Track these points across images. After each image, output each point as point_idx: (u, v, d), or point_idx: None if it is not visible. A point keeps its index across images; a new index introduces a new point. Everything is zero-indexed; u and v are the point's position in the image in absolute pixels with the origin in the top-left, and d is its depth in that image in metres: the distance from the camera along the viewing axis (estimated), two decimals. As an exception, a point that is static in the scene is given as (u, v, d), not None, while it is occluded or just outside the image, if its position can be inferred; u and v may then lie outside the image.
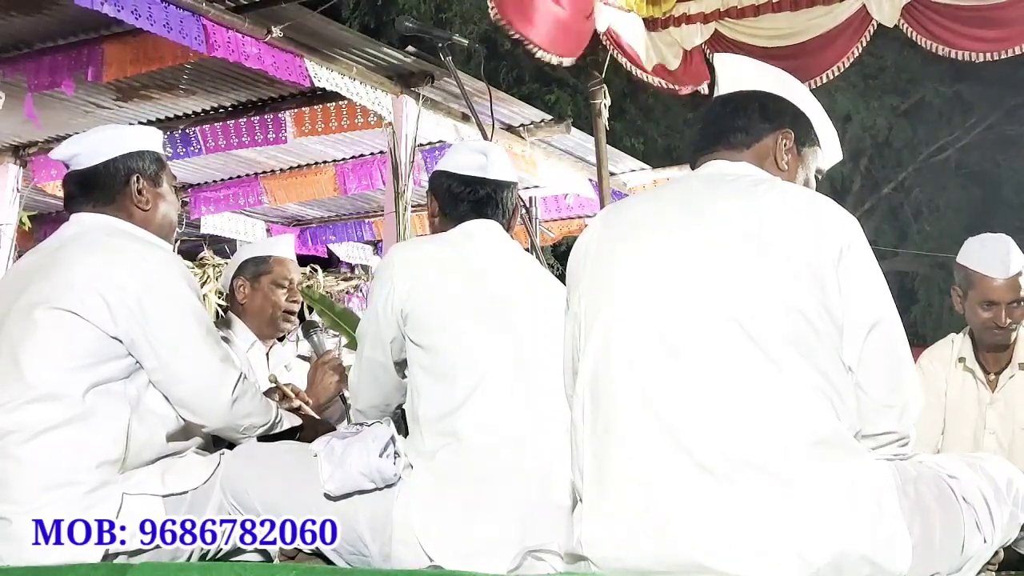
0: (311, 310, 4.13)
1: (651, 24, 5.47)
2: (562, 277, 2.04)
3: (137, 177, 2.35)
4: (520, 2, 4.56)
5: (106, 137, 2.38)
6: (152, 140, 2.43)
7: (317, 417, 2.71)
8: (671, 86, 5.49)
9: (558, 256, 9.21)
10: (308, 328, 3.02)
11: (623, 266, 1.80)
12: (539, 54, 4.69)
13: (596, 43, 5.23)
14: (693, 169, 1.99)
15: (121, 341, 2.15)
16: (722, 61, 2.11)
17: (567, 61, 4.90)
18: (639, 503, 1.66)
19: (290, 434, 2.46)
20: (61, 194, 2.45)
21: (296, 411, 2.61)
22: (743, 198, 1.77)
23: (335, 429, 2.55)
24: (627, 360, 1.72)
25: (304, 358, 3.40)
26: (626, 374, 1.71)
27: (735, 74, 2.04)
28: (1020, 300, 3.15)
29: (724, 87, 2.02)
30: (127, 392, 2.16)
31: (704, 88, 5.50)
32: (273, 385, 2.81)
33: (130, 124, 6.63)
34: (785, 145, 1.95)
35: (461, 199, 2.45)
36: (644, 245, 1.80)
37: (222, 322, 3.50)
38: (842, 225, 1.74)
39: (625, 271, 1.79)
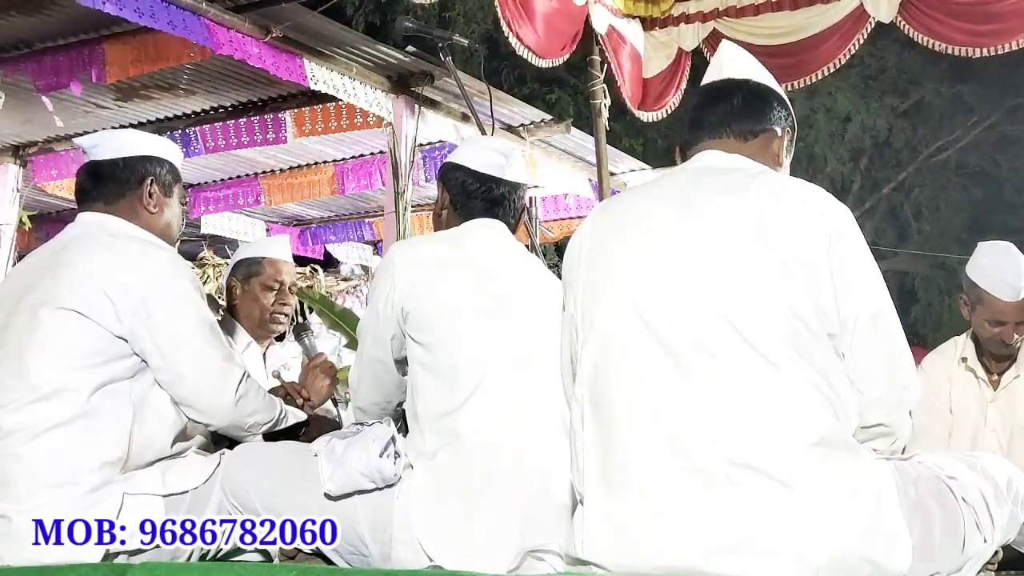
0: (311, 310, 4.13)
1: (649, 24, 5.48)
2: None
3: (152, 180, 2.38)
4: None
5: (132, 138, 2.44)
6: (174, 154, 2.48)
7: (320, 414, 2.72)
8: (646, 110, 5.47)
9: (561, 255, 9.18)
10: (299, 331, 3.02)
11: (619, 267, 1.79)
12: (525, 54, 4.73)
13: (596, 43, 5.23)
14: (685, 153, 1.95)
15: (126, 340, 2.15)
16: (732, 52, 2.05)
17: (548, 63, 4.92)
18: (638, 506, 1.66)
19: (295, 431, 2.46)
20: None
21: (299, 408, 2.61)
22: (740, 193, 1.75)
23: (339, 427, 2.55)
24: (625, 364, 1.71)
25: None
26: (624, 378, 1.71)
27: (743, 66, 2.00)
28: None
29: (730, 72, 1.98)
30: (132, 392, 2.16)
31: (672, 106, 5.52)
32: (279, 383, 2.82)
33: (131, 124, 6.67)
34: (787, 140, 1.95)
35: (474, 196, 2.43)
36: (640, 244, 1.79)
37: (221, 322, 3.48)
38: (831, 214, 1.72)
39: (621, 272, 1.78)
